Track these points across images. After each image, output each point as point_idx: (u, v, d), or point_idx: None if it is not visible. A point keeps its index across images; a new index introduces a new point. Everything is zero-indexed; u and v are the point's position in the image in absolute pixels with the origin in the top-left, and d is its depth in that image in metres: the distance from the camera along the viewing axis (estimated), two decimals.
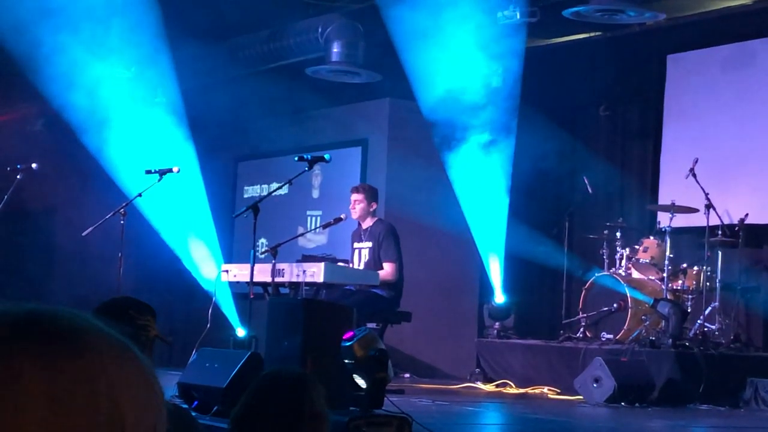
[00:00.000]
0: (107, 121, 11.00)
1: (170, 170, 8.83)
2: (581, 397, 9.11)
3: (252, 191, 13.82)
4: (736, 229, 10.02)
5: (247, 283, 8.27)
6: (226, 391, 6.46)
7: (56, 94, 10.71)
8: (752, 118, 10.80)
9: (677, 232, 10.12)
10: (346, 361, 6.05)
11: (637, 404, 8.81)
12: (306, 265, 8.47)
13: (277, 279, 8.42)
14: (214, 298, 9.01)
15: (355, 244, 9.53)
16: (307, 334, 6.94)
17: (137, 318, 3.55)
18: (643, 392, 8.93)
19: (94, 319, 0.94)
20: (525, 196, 11.49)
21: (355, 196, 9.43)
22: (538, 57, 11.18)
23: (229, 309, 10.61)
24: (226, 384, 6.52)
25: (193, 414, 5.46)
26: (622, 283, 10.12)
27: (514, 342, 10.93)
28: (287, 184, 8.67)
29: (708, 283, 9.93)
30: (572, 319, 10.70)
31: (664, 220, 10.49)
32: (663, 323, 9.51)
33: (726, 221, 10.12)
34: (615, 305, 10.11)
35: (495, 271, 11.09)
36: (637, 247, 10.37)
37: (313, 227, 12.51)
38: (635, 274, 10.41)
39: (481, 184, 10.91)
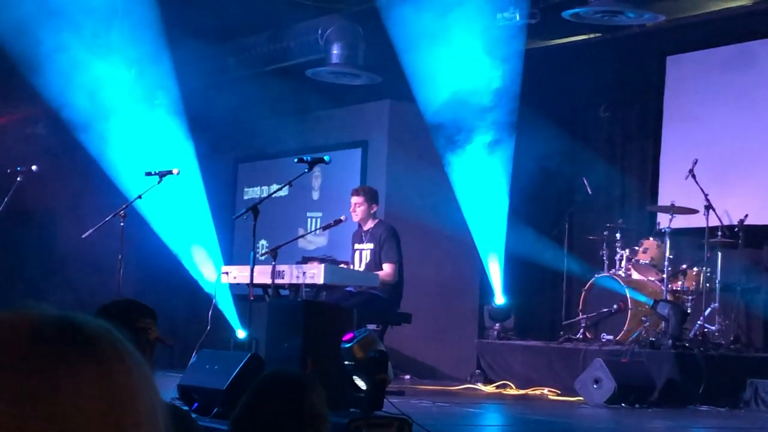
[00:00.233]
0: (107, 122, 11.00)
1: (170, 172, 8.82)
2: (581, 398, 9.11)
3: (252, 193, 13.82)
4: (736, 229, 10.02)
5: (247, 284, 8.26)
6: (227, 392, 6.46)
7: (56, 96, 10.70)
8: (752, 119, 10.81)
9: (677, 233, 10.13)
10: (346, 362, 6.05)
11: (637, 405, 8.82)
12: (306, 267, 8.48)
13: (278, 280, 8.42)
14: (214, 300, 9.01)
15: (356, 246, 9.53)
16: (307, 335, 6.94)
17: (138, 320, 3.56)
18: (643, 393, 8.93)
19: (110, 325, 0.98)
20: (525, 197, 11.49)
21: (355, 199, 9.44)
22: (537, 58, 11.19)
23: (229, 311, 10.61)
24: (226, 386, 6.52)
25: (194, 416, 5.47)
26: (622, 284, 10.13)
27: (515, 343, 10.93)
28: (287, 186, 8.66)
29: (708, 284, 9.93)
30: (572, 320, 10.70)
31: (663, 221, 10.49)
32: (663, 324, 9.51)
33: (726, 222, 10.13)
34: (615, 306, 10.12)
35: (495, 272, 11.10)
36: (636, 248, 10.38)
37: (313, 229, 12.51)
38: (635, 275, 10.42)
39: (481, 185, 10.92)
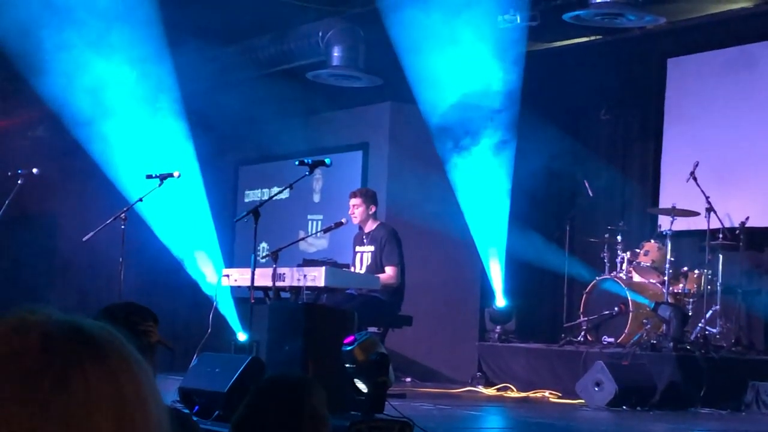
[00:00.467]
0: (108, 125, 11.00)
1: (171, 175, 8.82)
2: (582, 400, 9.11)
3: (253, 195, 13.83)
4: (737, 232, 10.02)
5: (248, 287, 8.27)
6: (228, 395, 6.46)
7: (57, 98, 10.70)
8: (753, 122, 10.80)
9: (678, 236, 10.13)
10: (347, 365, 6.05)
11: (638, 408, 8.81)
12: (307, 270, 8.47)
13: (278, 283, 8.41)
14: (215, 303, 9.02)
15: (357, 248, 9.53)
16: (308, 338, 6.94)
17: (139, 323, 3.55)
18: (645, 396, 8.93)
19: (113, 328, 0.99)
20: (526, 199, 11.49)
21: (353, 201, 9.44)
22: (538, 61, 11.18)
23: (230, 313, 10.62)
24: (227, 389, 6.52)
25: (195, 419, 5.47)
26: (623, 286, 10.13)
27: (516, 346, 10.93)
28: (288, 189, 8.65)
29: (709, 287, 9.93)
30: (573, 323, 10.70)
31: (665, 223, 10.49)
32: (664, 327, 9.50)
33: (727, 224, 10.13)
34: (616, 309, 10.12)
35: (496, 274, 11.10)
36: (638, 250, 10.37)
37: (314, 231, 12.51)
38: (636, 278, 10.42)
39: (482, 187, 10.92)
